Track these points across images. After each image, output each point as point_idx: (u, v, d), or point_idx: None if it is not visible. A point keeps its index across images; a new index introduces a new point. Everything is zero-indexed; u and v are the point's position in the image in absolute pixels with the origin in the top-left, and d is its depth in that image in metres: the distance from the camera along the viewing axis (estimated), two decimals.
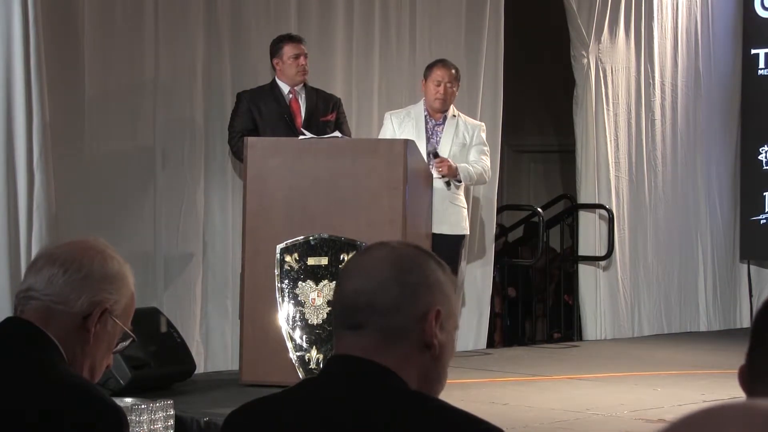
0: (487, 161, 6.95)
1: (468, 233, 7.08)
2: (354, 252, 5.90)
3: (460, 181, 6.76)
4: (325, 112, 6.79)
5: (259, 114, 6.69)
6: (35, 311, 2.15)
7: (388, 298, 1.84)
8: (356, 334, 1.85)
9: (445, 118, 6.91)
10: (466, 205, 6.99)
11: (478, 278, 8.26)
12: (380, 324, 1.84)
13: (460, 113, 7.00)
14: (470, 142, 6.90)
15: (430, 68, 6.96)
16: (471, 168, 6.80)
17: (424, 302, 1.86)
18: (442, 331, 1.87)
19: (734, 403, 0.79)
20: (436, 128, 6.88)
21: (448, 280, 1.92)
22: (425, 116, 6.89)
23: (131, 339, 2.29)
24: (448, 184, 6.72)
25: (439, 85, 6.83)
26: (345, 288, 1.89)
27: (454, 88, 6.90)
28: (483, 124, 7.17)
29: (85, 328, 2.16)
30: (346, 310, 1.88)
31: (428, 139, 6.84)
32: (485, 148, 6.98)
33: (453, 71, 6.91)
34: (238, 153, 6.55)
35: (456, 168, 6.70)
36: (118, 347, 2.28)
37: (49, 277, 2.16)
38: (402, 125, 6.84)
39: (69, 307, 2.15)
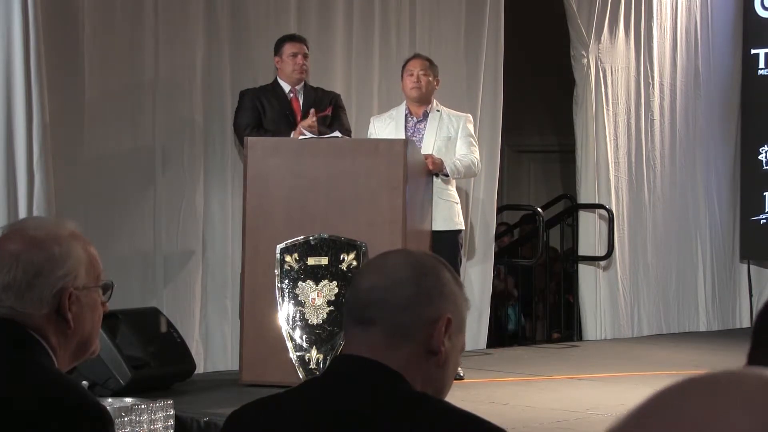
0: (475, 154, 6.78)
1: (463, 228, 6.96)
2: (354, 252, 5.90)
3: (447, 175, 6.68)
4: (323, 108, 6.77)
5: (262, 111, 6.71)
6: (6, 316, 2.12)
7: (402, 296, 1.86)
8: (365, 330, 1.86)
9: (426, 115, 6.80)
10: (458, 201, 6.87)
11: (477, 278, 8.25)
12: (390, 321, 1.85)
13: (443, 107, 6.89)
14: (456, 134, 6.75)
15: (403, 65, 6.94)
16: (458, 162, 6.67)
17: (436, 308, 1.87)
18: (449, 341, 1.88)
19: (730, 372, 0.78)
20: (417, 126, 6.78)
21: (462, 295, 1.94)
22: (406, 115, 6.82)
23: (111, 286, 2.25)
24: (435, 176, 6.64)
25: (411, 75, 6.76)
26: (360, 284, 1.91)
27: (430, 77, 6.78)
28: (469, 115, 7.02)
29: (62, 319, 2.13)
30: (358, 305, 1.89)
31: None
32: (472, 140, 6.82)
33: (426, 62, 6.85)
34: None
35: (441, 162, 6.61)
36: (105, 297, 2.24)
37: (2, 288, 2.11)
38: (385, 128, 6.79)
39: (39, 311, 2.11)
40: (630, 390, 6.47)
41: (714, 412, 0.74)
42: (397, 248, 2.04)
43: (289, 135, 6.48)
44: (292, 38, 6.84)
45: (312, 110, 6.54)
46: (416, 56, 6.95)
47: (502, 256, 9.34)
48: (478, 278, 8.26)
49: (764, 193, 10.29)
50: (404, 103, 6.86)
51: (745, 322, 10.27)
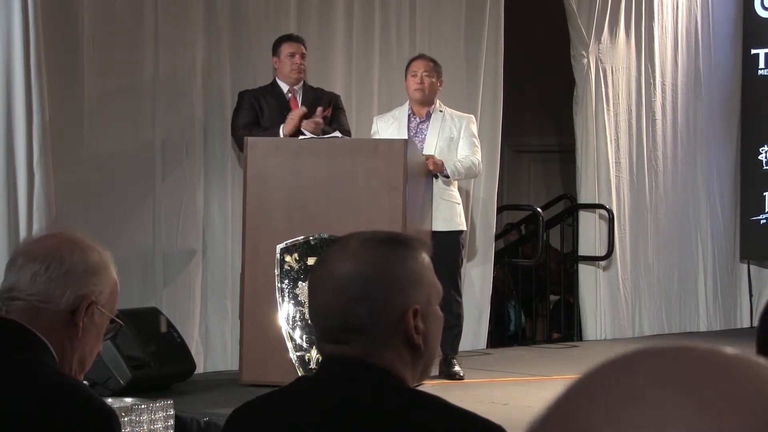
0: (477, 155, 6.78)
1: (464, 229, 6.96)
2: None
3: (447, 176, 6.68)
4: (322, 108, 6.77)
5: (260, 112, 6.71)
6: (21, 312, 2.13)
7: (362, 316, 1.83)
8: (342, 349, 1.85)
9: (429, 115, 6.79)
10: (459, 201, 6.86)
11: (477, 278, 8.25)
12: (361, 339, 1.84)
13: (446, 107, 6.88)
14: (458, 135, 6.75)
15: (407, 65, 6.93)
16: (459, 163, 6.67)
17: (398, 306, 1.84)
18: (424, 321, 1.85)
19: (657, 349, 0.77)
20: (420, 126, 6.77)
21: (416, 263, 1.87)
22: (408, 115, 6.82)
23: (119, 325, 2.27)
24: (435, 177, 6.65)
25: (415, 76, 6.76)
26: (318, 305, 1.88)
27: (433, 79, 6.77)
28: (472, 116, 7.03)
29: (73, 322, 2.14)
30: (324, 329, 1.87)
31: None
32: (475, 140, 6.82)
33: (430, 63, 6.84)
34: (243, 147, 6.55)
35: (441, 163, 6.61)
36: (108, 335, 2.26)
37: (32, 276, 2.13)
38: (388, 127, 6.79)
39: (55, 305, 2.13)
40: None
41: (600, 412, 0.72)
42: (341, 241, 1.96)
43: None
44: (290, 38, 6.85)
45: (319, 109, 6.51)
46: (420, 57, 6.95)
47: (502, 256, 9.34)
48: (478, 278, 8.25)
49: (764, 193, 10.28)
50: (407, 103, 6.86)
51: (746, 322, 10.28)
